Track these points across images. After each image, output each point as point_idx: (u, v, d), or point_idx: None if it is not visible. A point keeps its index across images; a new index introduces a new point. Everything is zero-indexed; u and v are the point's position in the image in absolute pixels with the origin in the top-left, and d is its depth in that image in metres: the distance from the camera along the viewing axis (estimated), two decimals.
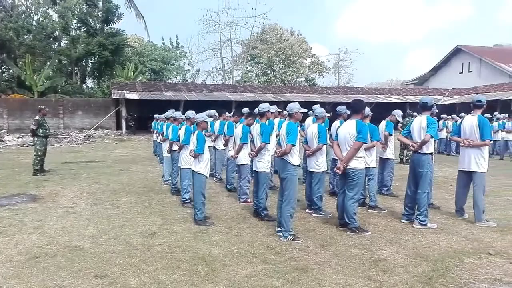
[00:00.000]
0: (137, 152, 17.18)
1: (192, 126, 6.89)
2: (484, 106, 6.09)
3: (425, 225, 5.75)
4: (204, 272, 4.18)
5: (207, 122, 6.14)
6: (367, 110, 7.14)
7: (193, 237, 5.40)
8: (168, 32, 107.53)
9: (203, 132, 6.20)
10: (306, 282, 3.95)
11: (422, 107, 5.96)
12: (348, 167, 5.43)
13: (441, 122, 17.17)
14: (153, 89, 27.32)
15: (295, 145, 5.31)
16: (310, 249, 4.93)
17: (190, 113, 6.94)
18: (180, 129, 7.34)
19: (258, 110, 6.37)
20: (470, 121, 6.05)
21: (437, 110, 7.32)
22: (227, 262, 4.48)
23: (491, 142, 5.96)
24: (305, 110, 6.65)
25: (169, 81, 43.57)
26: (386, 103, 26.97)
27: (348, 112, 8.35)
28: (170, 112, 8.91)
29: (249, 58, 51.57)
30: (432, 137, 5.68)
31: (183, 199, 7.19)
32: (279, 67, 49.30)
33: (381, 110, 16.17)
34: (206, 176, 6.01)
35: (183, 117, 7.89)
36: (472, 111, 6.13)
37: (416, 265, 4.36)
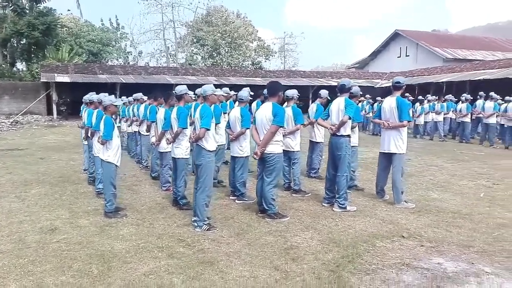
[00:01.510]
0: (67, 139, 16.09)
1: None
2: (403, 87, 6.07)
3: (345, 208, 5.68)
4: (98, 272, 3.78)
5: (116, 105, 5.63)
6: (293, 92, 6.96)
7: (98, 232, 4.95)
8: (107, 13, 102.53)
9: (113, 116, 5.71)
10: (209, 277, 3.68)
11: (340, 89, 5.82)
12: (265, 151, 5.19)
13: (375, 104, 17.60)
14: (87, 72, 25.78)
15: (209, 129, 4.97)
16: (223, 239, 4.67)
17: (102, 95, 6.37)
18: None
19: (175, 92, 5.95)
20: (389, 103, 6.02)
21: (361, 93, 7.27)
22: (128, 259, 4.10)
23: (409, 122, 5.92)
24: (221, 92, 6.36)
25: (109, 63, 41.52)
26: (327, 87, 27.28)
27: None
28: (89, 95, 8.22)
29: (195, 40, 50.38)
30: (350, 118, 5.57)
31: (97, 190, 6.66)
32: (225, 50, 48.58)
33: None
34: (116, 165, 5.55)
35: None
36: (392, 93, 6.10)
37: (327, 251, 4.22)
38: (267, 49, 53.67)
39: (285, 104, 6.90)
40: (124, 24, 59.60)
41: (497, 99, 13.91)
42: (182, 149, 5.83)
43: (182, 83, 24.48)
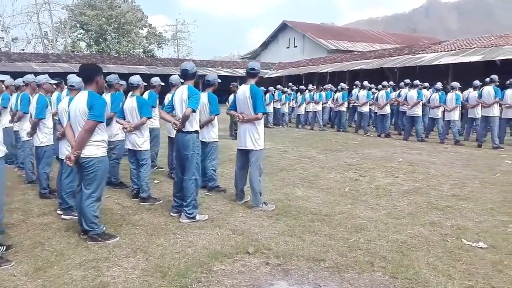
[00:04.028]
0: None
1: None
2: (258, 74, 5.35)
3: (194, 218, 4.78)
4: None
5: None
6: (137, 79, 5.84)
7: None
8: None
9: None
10: None
11: (183, 76, 4.87)
12: (81, 155, 4.02)
13: (267, 95, 17.08)
14: None
15: None
16: (14, 278, 3.41)
17: None
18: None
19: None
20: (243, 92, 5.24)
21: (219, 81, 6.41)
22: None
23: (265, 114, 5.21)
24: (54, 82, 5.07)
25: None
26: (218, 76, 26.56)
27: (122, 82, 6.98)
28: None
29: (78, 25, 46.05)
30: (194, 111, 4.65)
31: None
32: (111, 37, 45.24)
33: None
34: None
35: None
36: (246, 81, 5.34)
37: (147, 286, 3.25)
38: (159, 37, 51.61)
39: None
40: None
41: (371, 88, 14.35)
42: None
43: (51, 71, 21.68)
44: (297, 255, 3.79)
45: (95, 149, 4.07)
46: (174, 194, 5.06)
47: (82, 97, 4.04)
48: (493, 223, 4.60)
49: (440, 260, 3.63)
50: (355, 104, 14.41)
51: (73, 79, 5.33)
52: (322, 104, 15.67)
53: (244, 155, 5.38)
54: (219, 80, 6.38)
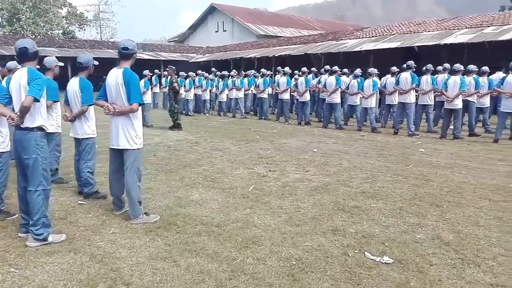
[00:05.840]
0: None
1: None
2: (134, 55, 4.35)
3: (45, 239, 3.73)
4: None
5: None
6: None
7: None
8: None
9: None
10: None
11: (22, 56, 3.75)
12: None
13: (187, 80, 15.93)
14: None
15: None
16: None
17: None
18: None
19: None
20: (114, 77, 4.23)
21: (96, 63, 5.26)
22: None
23: (140, 105, 4.25)
24: None
25: None
26: (140, 60, 24.86)
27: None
28: None
29: None
30: (36, 99, 3.56)
31: None
32: (26, 17, 41.34)
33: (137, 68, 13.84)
34: None
35: None
36: (118, 63, 4.32)
37: None
38: (80, 17, 48.35)
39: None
40: None
41: (293, 75, 13.82)
42: None
43: None
44: None
45: None
46: (20, 209, 3.96)
47: None
48: (402, 228, 4.08)
49: (337, 285, 2.97)
50: (277, 91, 13.82)
51: None
52: (245, 91, 14.92)
53: (118, 155, 4.38)
54: (96, 62, 5.25)
